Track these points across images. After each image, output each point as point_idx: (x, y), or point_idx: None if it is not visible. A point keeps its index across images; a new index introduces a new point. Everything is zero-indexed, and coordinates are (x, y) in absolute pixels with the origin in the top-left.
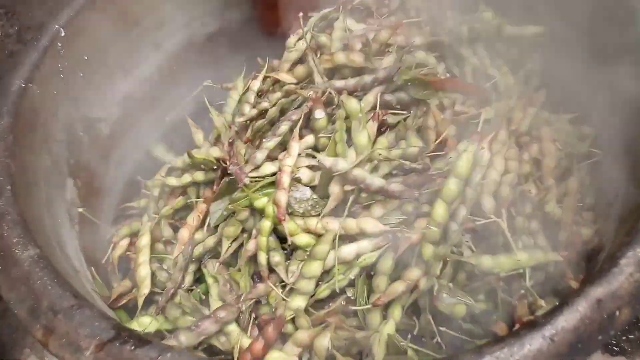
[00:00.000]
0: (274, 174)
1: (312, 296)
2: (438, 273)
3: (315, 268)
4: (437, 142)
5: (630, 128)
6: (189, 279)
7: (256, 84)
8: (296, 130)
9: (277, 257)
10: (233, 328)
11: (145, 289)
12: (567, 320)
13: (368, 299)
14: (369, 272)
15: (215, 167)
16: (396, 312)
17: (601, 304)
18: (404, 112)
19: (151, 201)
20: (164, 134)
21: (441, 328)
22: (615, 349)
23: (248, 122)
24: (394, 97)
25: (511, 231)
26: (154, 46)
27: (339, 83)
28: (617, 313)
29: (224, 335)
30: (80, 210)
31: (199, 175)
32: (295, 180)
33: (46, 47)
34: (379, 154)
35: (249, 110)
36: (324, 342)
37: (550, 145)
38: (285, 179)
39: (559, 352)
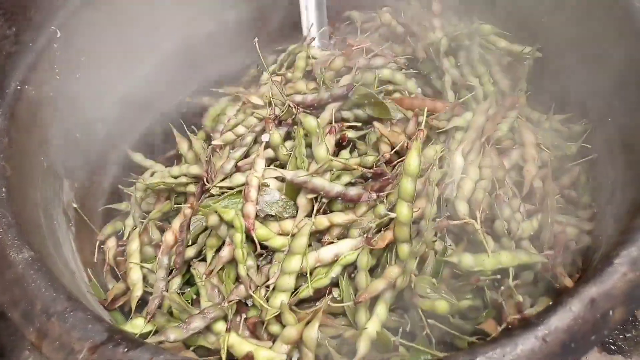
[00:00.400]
0: (242, 185)
1: (294, 294)
2: (414, 269)
3: (295, 263)
4: (393, 151)
5: (627, 125)
6: (177, 282)
7: (232, 110)
8: (261, 148)
9: (249, 262)
10: (222, 327)
11: (138, 292)
12: (561, 320)
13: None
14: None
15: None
16: (381, 310)
17: (595, 303)
18: (363, 127)
19: (134, 205)
20: (160, 135)
21: (430, 321)
22: (613, 347)
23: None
24: (351, 113)
25: (492, 235)
26: (151, 46)
27: (298, 97)
28: (611, 313)
29: (214, 335)
30: (75, 206)
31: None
32: (264, 185)
33: (42, 49)
34: (335, 162)
35: (222, 128)
36: (313, 333)
37: (532, 151)
38: (253, 193)
39: (551, 352)
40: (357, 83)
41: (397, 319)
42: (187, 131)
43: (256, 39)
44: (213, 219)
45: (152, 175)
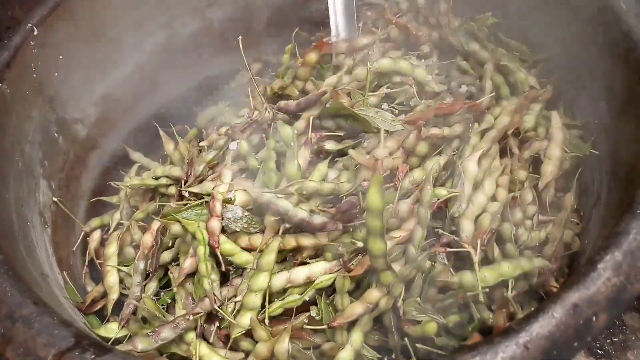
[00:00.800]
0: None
1: (262, 312)
2: (400, 294)
3: (262, 281)
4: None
5: (613, 128)
6: (153, 286)
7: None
8: (228, 158)
9: (212, 275)
10: (194, 336)
11: (114, 295)
12: (542, 326)
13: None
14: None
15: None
16: (356, 338)
17: (577, 309)
18: (343, 137)
19: (124, 200)
20: (144, 135)
21: (417, 345)
22: (600, 352)
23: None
24: (334, 122)
25: (498, 239)
26: (133, 46)
27: (281, 103)
28: (594, 318)
29: (186, 344)
30: (55, 199)
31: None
32: (226, 202)
33: (17, 46)
34: (305, 184)
35: (216, 126)
36: (284, 347)
37: (557, 151)
38: (218, 207)
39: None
40: (347, 81)
41: (380, 337)
42: (176, 133)
43: (240, 38)
44: (175, 229)
45: (137, 172)
